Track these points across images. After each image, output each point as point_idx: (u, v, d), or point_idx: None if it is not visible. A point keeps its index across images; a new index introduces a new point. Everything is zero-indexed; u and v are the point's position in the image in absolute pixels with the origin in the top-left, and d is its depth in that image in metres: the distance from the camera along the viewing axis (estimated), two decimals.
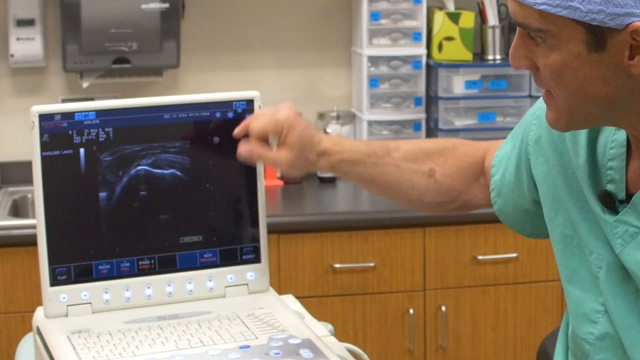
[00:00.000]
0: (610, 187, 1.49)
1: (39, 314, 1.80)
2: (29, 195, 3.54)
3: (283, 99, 3.83)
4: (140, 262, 1.82)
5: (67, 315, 1.79)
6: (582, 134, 1.53)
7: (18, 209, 3.51)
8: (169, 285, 1.84)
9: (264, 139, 1.74)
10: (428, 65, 3.74)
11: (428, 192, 1.82)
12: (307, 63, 3.87)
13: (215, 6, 3.78)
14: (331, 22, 3.86)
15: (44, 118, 1.75)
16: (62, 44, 3.53)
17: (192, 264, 1.85)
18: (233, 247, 1.87)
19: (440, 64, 3.68)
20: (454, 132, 3.67)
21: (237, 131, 1.78)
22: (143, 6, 3.49)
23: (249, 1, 3.80)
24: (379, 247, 3.38)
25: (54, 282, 1.78)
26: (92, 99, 3.56)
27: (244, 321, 1.77)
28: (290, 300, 1.94)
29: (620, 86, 1.37)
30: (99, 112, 1.78)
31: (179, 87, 3.78)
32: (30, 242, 2.44)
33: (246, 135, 1.77)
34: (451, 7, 3.75)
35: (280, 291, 3.01)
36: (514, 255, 3.45)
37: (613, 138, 1.50)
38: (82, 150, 1.77)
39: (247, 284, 1.88)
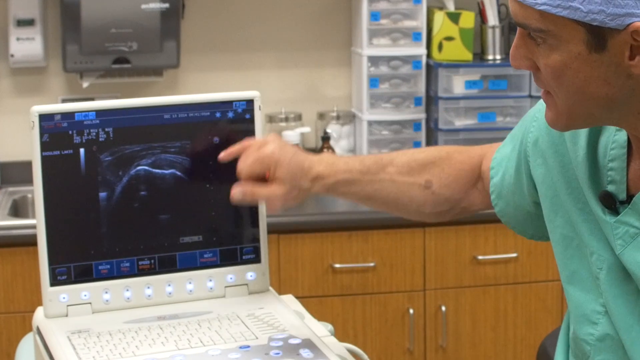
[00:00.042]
0: (611, 187, 1.49)
1: (39, 314, 1.80)
2: (29, 195, 3.54)
3: (283, 99, 3.83)
4: (140, 262, 1.82)
5: (67, 315, 1.79)
6: (583, 135, 1.53)
7: (18, 209, 3.51)
8: (169, 285, 1.84)
9: (255, 177, 1.73)
10: (428, 65, 3.74)
11: (426, 204, 1.81)
12: (307, 63, 3.87)
13: (215, 6, 3.78)
14: (331, 22, 3.86)
15: (44, 118, 1.75)
16: (62, 44, 3.53)
17: (192, 264, 1.85)
18: (233, 247, 1.87)
19: (440, 64, 3.68)
20: (454, 132, 3.67)
21: (222, 155, 1.78)
22: (143, 6, 3.49)
23: (249, 1, 3.80)
24: (379, 247, 3.38)
25: (54, 282, 1.78)
26: (92, 99, 3.56)
27: (244, 321, 1.77)
28: (290, 300, 1.94)
29: (620, 86, 1.37)
30: (99, 112, 1.78)
31: (179, 87, 3.78)
32: (30, 242, 2.44)
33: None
34: (451, 7, 3.75)
35: (280, 291, 3.01)
36: (514, 255, 3.45)
37: (614, 139, 1.50)
38: (82, 150, 1.77)
39: (247, 284, 1.88)
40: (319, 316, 2.27)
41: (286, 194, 1.71)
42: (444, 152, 1.83)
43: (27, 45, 3.57)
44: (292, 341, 1.68)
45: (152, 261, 1.83)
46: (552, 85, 1.40)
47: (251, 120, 1.85)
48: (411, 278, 3.41)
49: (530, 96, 3.67)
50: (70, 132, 1.76)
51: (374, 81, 3.72)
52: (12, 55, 3.57)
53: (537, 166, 1.63)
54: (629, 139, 1.48)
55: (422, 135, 3.76)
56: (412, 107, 3.75)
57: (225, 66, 3.81)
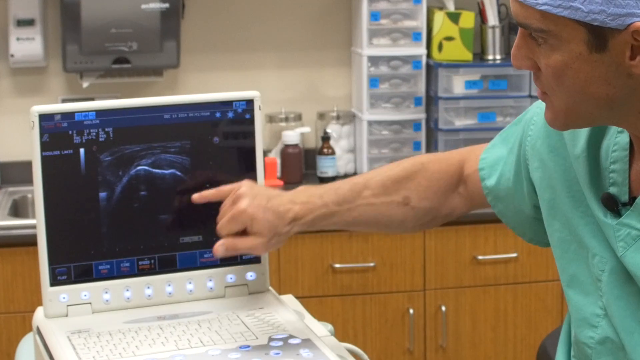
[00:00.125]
0: (612, 190, 1.49)
1: (39, 314, 1.80)
2: (29, 195, 3.54)
3: (283, 99, 3.83)
4: (140, 262, 1.82)
5: (67, 315, 1.78)
6: (582, 138, 1.53)
7: (18, 209, 3.51)
8: (169, 285, 1.84)
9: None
10: (428, 65, 3.74)
11: (407, 219, 1.82)
12: (307, 63, 3.87)
13: (215, 6, 3.78)
14: (331, 22, 3.86)
15: (44, 118, 1.75)
16: (62, 44, 3.53)
17: (192, 264, 1.85)
18: None
19: (440, 64, 3.68)
20: (454, 132, 3.67)
21: (196, 197, 1.79)
22: (143, 6, 3.49)
23: (249, 1, 3.80)
24: (379, 247, 3.38)
25: (54, 282, 1.78)
26: (92, 99, 3.56)
27: (244, 321, 1.77)
28: (290, 300, 1.94)
29: (620, 86, 1.37)
30: (99, 112, 1.78)
31: (179, 87, 3.78)
32: (30, 242, 2.45)
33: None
34: (451, 7, 3.75)
35: (280, 291, 3.01)
36: (514, 255, 3.45)
37: (615, 141, 1.50)
38: (82, 150, 1.77)
39: (247, 284, 1.88)
40: (319, 316, 2.27)
41: (266, 243, 1.73)
42: (419, 163, 1.82)
43: (27, 45, 3.57)
44: (292, 341, 1.68)
45: (152, 261, 1.83)
46: (553, 85, 1.40)
47: (251, 120, 1.85)
48: (411, 278, 3.41)
49: (530, 96, 3.68)
50: (70, 132, 1.76)
51: (374, 81, 3.72)
52: (12, 55, 3.57)
53: (534, 170, 1.64)
54: (631, 140, 1.48)
55: (422, 135, 3.76)
56: (412, 107, 3.75)
57: (225, 66, 3.81)
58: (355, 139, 3.81)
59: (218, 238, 1.85)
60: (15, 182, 3.62)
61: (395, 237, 3.36)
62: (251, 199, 1.71)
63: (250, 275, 1.88)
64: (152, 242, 1.82)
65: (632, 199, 1.47)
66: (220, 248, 1.73)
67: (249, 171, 1.85)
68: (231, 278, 1.87)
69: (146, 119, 1.80)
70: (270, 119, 3.77)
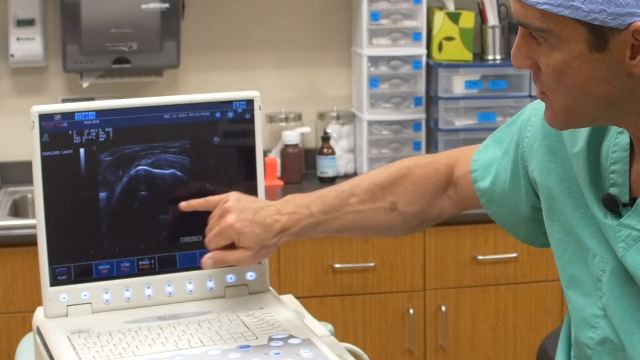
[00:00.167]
0: (613, 190, 1.49)
1: (39, 314, 1.80)
2: (29, 195, 3.54)
3: (283, 99, 3.83)
4: (140, 262, 1.82)
5: (67, 315, 1.78)
6: (582, 138, 1.53)
7: (18, 209, 3.51)
8: (169, 285, 1.84)
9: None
10: (428, 65, 3.74)
11: (395, 224, 1.82)
12: (307, 63, 3.87)
13: (215, 6, 3.78)
14: (331, 22, 3.85)
15: (44, 118, 1.74)
16: (62, 44, 3.53)
17: (192, 264, 1.85)
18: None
19: (440, 64, 3.68)
20: (454, 132, 3.67)
21: (183, 205, 1.79)
22: (143, 6, 3.49)
23: (249, 1, 3.80)
24: (379, 247, 3.38)
25: (54, 282, 1.78)
26: (92, 99, 3.56)
27: (244, 321, 1.77)
28: (290, 300, 1.94)
29: (621, 86, 1.37)
30: (99, 112, 1.78)
31: (179, 87, 3.78)
32: (30, 242, 2.44)
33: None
34: (451, 7, 3.75)
35: (280, 291, 3.01)
36: (514, 255, 3.45)
37: (616, 142, 1.50)
38: (82, 150, 1.77)
39: (247, 284, 1.88)
40: (319, 316, 2.27)
41: (254, 255, 1.74)
42: (405, 168, 1.82)
43: (27, 45, 3.57)
44: (292, 341, 1.68)
45: (152, 261, 1.82)
46: (553, 84, 1.40)
47: (251, 120, 1.85)
48: (411, 278, 3.41)
49: (530, 96, 3.67)
50: (70, 132, 1.76)
51: (374, 81, 3.72)
52: (12, 55, 3.57)
53: (532, 171, 1.64)
54: (631, 141, 1.48)
55: (422, 135, 3.76)
56: (412, 107, 3.75)
57: (225, 66, 3.81)
58: (355, 139, 3.81)
59: None
60: (15, 182, 3.62)
61: (395, 237, 3.36)
62: (238, 213, 1.72)
63: (250, 275, 1.88)
64: (152, 242, 1.82)
65: (633, 200, 1.47)
66: (208, 261, 1.74)
67: (249, 171, 1.85)
68: (231, 278, 1.87)
69: (146, 119, 1.80)
70: (270, 119, 3.77)
